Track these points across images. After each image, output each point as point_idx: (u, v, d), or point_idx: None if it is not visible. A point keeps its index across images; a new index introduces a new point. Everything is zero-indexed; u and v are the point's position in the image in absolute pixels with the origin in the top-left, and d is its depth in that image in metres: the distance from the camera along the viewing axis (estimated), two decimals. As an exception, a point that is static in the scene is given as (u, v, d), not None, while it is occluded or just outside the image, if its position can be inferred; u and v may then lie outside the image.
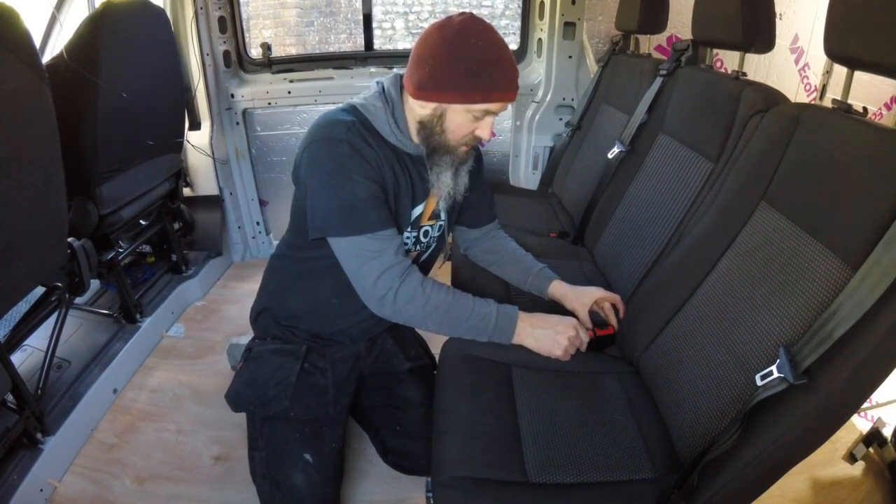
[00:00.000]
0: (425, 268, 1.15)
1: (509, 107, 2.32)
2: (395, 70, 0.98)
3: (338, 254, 0.96)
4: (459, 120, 0.91)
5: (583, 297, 1.14)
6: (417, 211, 1.03)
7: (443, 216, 1.10)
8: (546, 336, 1.01)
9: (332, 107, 1.02)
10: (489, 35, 0.87)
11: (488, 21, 0.90)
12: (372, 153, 0.92)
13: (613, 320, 1.15)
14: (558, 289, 1.17)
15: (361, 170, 0.91)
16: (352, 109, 0.96)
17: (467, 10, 0.90)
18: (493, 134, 0.95)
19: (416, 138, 0.97)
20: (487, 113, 0.90)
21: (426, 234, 1.08)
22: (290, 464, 1.05)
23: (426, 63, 0.88)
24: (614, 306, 1.16)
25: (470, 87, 0.86)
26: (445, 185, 0.99)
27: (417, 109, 0.93)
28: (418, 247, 1.08)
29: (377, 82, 0.99)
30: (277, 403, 1.09)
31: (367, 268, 0.93)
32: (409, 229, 1.03)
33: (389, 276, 0.92)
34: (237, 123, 2.21)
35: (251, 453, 1.11)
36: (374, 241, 0.92)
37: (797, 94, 2.54)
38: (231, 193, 2.26)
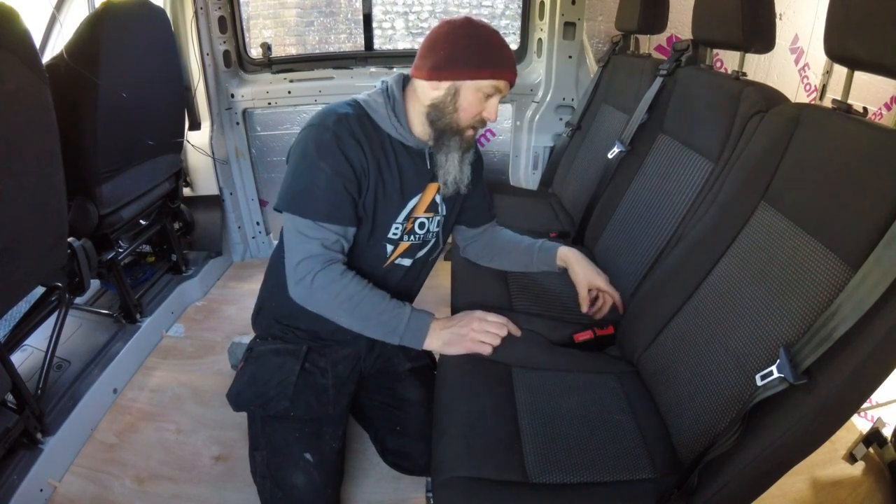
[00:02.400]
0: (426, 262, 1.16)
1: (509, 107, 2.34)
2: (395, 70, 1.00)
3: (284, 229, 1.01)
4: (471, 98, 0.96)
5: (588, 275, 1.17)
6: (411, 203, 1.05)
7: (442, 210, 1.10)
8: (452, 335, 1.01)
9: None
10: (490, 27, 0.97)
11: (487, 21, 0.97)
12: (355, 147, 0.95)
13: (604, 310, 1.18)
14: (568, 254, 1.20)
15: (332, 160, 0.94)
16: (354, 103, 1.01)
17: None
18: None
19: (420, 128, 1.01)
20: (496, 91, 0.96)
21: (422, 226, 1.08)
22: (291, 463, 1.06)
23: (440, 47, 0.95)
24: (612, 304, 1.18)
25: (481, 63, 0.94)
26: (453, 168, 1.01)
27: (430, 93, 0.97)
28: (412, 238, 1.08)
29: (382, 81, 1.04)
30: (278, 403, 1.09)
31: (297, 248, 0.97)
32: (399, 220, 1.04)
33: (312, 261, 0.96)
34: (237, 123, 2.21)
35: (252, 453, 1.11)
36: (313, 227, 0.96)
37: (797, 94, 2.54)
38: (231, 193, 2.26)
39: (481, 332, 1.02)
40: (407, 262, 1.11)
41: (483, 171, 1.21)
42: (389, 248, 1.07)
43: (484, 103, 0.97)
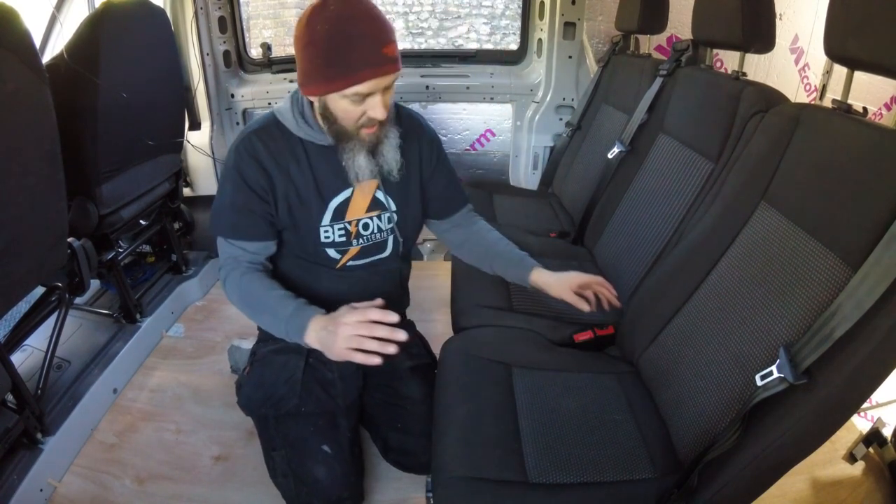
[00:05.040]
0: (392, 262, 1.11)
1: (509, 107, 2.34)
2: None
3: None
4: (341, 106, 0.89)
5: (563, 280, 1.10)
6: (335, 202, 1.01)
7: (390, 205, 1.06)
8: (326, 336, 0.88)
9: None
10: (339, 12, 0.83)
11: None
12: (254, 167, 0.97)
13: (605, 304, 1.11)
14: (540, 276, 1.13)
15: (232, 181, 0.98)
16: (269, 114, 1.02)
17: None
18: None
19: (325, 130, 0.97)
20: (363, 94, 0.87)
21: (366, 226, 1.05)
22: (311, 458, 1.07)
23: (297, 58, 0.90)
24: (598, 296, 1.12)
25: (328, 75, 0.86)
26: (363, 167, 0.96)
27: (315, 103, 0.95)
28: (360, 241, 1.05)
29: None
30: (288, 401, 1.09)
31: (219, 259, 1.05)
32: (330, 222, 1.01)
33: (222, 271, 1.03)
34: (237, 123, 2.21)
35: (269, 454, 1.12)
36: (224, 244, 1.03)
37: (797, 94, 2.55)
38: (231, 193, 2.26)
39: (349, 338, 0.86)
40: (362, 262, 1.07)
41: (442, 155, 1.14)
42: (332, 252, 1.04)
43: (361, 104, 0.89)
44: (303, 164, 0.99)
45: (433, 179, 1.12)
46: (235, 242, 1.01)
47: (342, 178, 0.99)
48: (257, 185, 0.97)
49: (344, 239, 1.04)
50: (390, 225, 1.08)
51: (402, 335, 0.86)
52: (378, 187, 1.03)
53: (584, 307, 1.08)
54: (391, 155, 0.99)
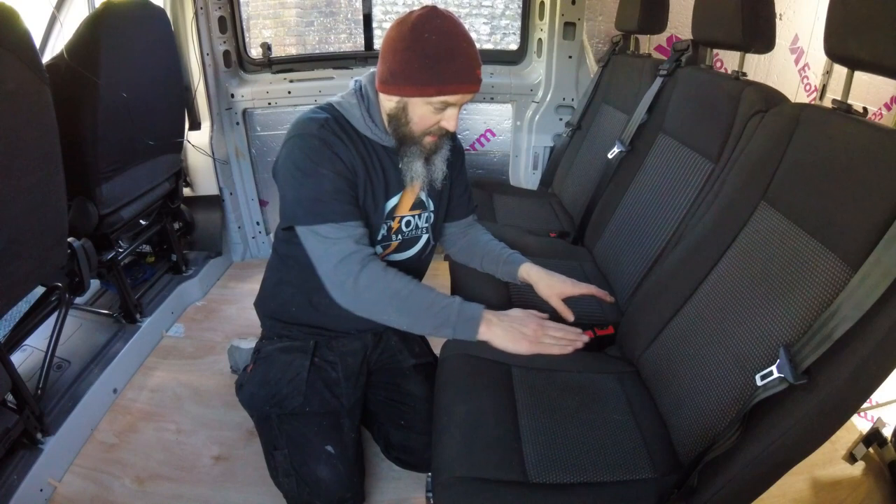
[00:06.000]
0: (419, 259, 1.15)
1: (509, 107, 2.34)
2: (371, 69, 1.00)
3: (304, 243, 0.97)
4: (421, 112, 0.93)
5: (553, 286, 1.11)
6: (393, 202, 1.05)
7: (429, 205, 1.11)
8: (512, 331, 0.97)
9: None
10: (445, 27, 0.88)
11: (454, 15, 0.92)
12: (343, 148, 0.95)
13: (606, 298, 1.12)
14: (530, 271, 1.14)
15: (329, 164, 0.94)
16: (328, 107, 1.00)
17: (430, 5, 0.93)
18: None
19: (388, 130, 1.00)
20: (448, 104, 0.92)
21: (408, 223, 1.09)
22: (314, 457, 1.07)
23: (386, 58, 0.92)
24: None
25: (424, 80, 0.89)
26: (418, 173, 1.00)
27: (385, 102, 0.97)
28: (400, 236, 1.08)
29: (356, 80, 1.02)
30: (292, 400, 1.10)
31: (328, 254, 0.94)
32: (384, 220, 1.05)
33: (350, 261, 0.93)
34: (237, 123, 2.21)
35: (271, 453, 1.12)
36: (335, 229, 0.94)
37: (797, 94, 2.55)
38: (231, 193, 2.26)
39: (545, 336, 0.98)
40: (396, 257, 1.11)
41: (464, 162, 1.20)
42: (378, 248, 1.07)
43: (439, 114, 0.94)
44: (374, 162, 1.00)
45: (454, 184, 1.16)
46: (349, 224, 0.95)
47: (399, 180, 1.03)
48: (350, 165, 0.96)
49: (385, 234, 1.06)
50: (426, 224, 1.12)
51: (584, 340, 1.01)
52: (422, 188, 1.07)
53: (569, 316, 1.08)
54: (440, 166, 1.03)
